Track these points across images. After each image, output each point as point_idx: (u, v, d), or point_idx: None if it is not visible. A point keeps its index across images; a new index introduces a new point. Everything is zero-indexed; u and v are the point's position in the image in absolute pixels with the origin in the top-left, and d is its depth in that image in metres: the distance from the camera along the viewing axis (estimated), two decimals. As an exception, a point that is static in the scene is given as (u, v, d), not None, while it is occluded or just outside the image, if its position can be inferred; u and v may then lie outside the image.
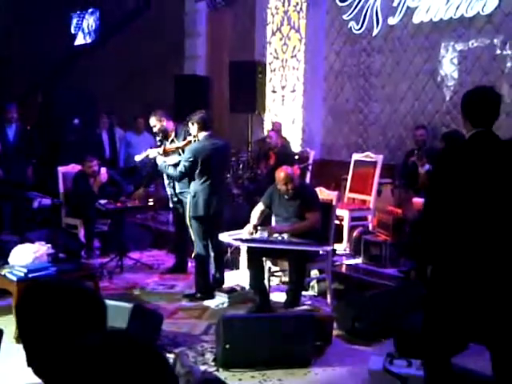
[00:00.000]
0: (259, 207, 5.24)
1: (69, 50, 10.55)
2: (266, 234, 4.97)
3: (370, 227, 6.48)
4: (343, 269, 5.77)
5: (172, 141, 5.78)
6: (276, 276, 5.54)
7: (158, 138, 5.82)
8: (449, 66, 7.09)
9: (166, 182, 5.84)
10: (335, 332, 4.42)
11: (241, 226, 5.31)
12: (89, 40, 11.75)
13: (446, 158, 3.05)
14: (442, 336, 2.94)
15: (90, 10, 11.50)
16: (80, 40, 11.62)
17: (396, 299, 4.67)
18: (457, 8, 6.86)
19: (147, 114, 9.45)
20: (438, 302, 2.94)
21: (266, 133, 8.31)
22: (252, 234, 5.03)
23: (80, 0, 10.69)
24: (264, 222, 5.32)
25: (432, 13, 7.07)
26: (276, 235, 4.96)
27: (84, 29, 11.59)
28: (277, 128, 8.00)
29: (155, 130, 5.84)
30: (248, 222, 5.26)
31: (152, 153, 5.56)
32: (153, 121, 5.82)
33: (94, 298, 1.50)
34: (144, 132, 9.13)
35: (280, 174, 5.04)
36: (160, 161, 5.39)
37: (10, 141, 7.47)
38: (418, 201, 5.92)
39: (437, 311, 2.95)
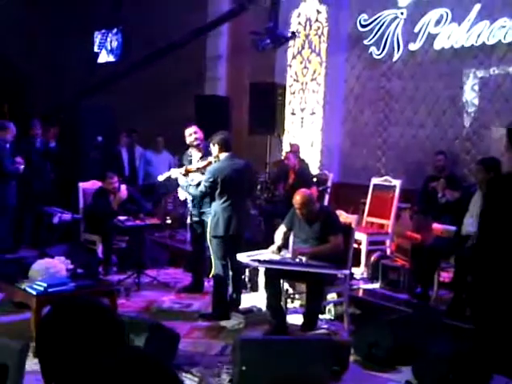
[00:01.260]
0: (282, 229, 5.27)
1: (92, 67, 10.70)
2: (289, 255, 4.99)
3: (388, 252, 6.46)
4: (360, 293, 5.74)
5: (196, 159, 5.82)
6: (294, 298, 5.52)
7: (191, 152, 5.78)
8: (469, 93, 7.09)
9: (189, 198, 5.84)
10: (352, 357, 4.38)
11: (258, 247, 5.33)
12: (112, 58, 11.91)
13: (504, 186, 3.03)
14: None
15: (115, 31, 11.67)
16: (103, 58, 11.79)
17: (414, 325, 4.63)
18: (478, 36, 6.88)
19: (167, 132, 9.57)
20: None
21: (284, 154, 8.34)
22: (275, 253, 5.06)
23: (104, 19, 10.87)
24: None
25: (453, 39, 7.10)
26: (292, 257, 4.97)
27: (107, 46, 11.75)
28: (295, 150, 8.02)
29: (196, 136, 5.82)
30: (265, 242, 5.30)
31: (174, 173, 5.60)
32: (193, 128, 5.89)
33: (112, 318, 1.51)
34: (163, 151, 9.21)
35: (296, 197, 5.08)
36: (182, 181, 5.43)
37: (33, 156, 7.57)
38: (437, 227, 5.91)
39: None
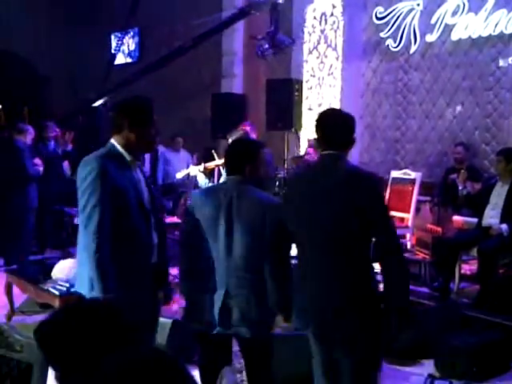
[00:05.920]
0: None
1: (109, 69, 10.77)
2: None
3: (409, 245, 6.42)
4: (381, 287, 5.70)
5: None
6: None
7: None
8: (488, 83, 7.01)
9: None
10: (374, 351, 4.36)
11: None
12: (129, 60, 11.98)
13: None
14: None
15: (131, 34, 11.73)
16: (120, 60, 11.86)
17: (435, 319, 4.61)
18: (496, 25, 6.80)
19: (186, 132, 9.61)
20: None
21: (302, 150, 8.33)
22: None
23: (120, 21, 10.93)
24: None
25: (470, 30, 7.02)
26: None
27: (124, 50, 11.81)
28: (312, 145, 8.01)
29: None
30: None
31: (193, 170, 5.62)
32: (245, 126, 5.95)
33: (122, 318, 1.51)
34: (181, 150, 9.26)
35: None
36: (201, 179, 5.44)
37: (49, 158, 7.64)
38: (457, 219, 5.86)
39: None
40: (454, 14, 7.15)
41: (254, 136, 5.89)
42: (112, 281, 2.65)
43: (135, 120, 2.81)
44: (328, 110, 3.05)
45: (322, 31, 8.55)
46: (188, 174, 5.75)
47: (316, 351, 2.76)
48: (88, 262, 2.67)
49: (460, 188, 5.45)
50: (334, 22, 8.44)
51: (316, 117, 2.86)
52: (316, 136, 2.83)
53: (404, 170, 7.03)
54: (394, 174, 7.02)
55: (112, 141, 2.83)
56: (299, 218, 2.70)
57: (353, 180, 2.65)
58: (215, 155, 5.84)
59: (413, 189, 6.67)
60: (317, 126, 2.80)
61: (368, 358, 2.62)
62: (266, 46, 7.59)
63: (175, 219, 6.66)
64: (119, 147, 2.80)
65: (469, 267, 5.59)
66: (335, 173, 2.68)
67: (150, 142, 2.90)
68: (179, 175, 5.84)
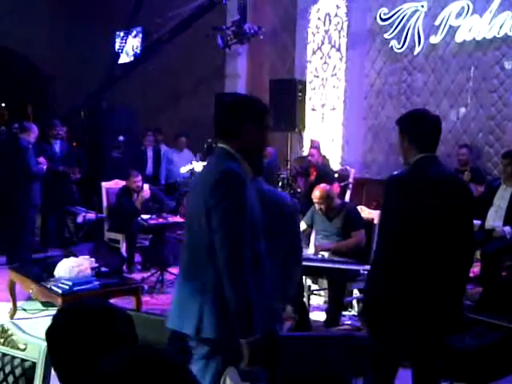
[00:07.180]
0: (301, 226, 5.26)
1: (113, 68, 10.77)
2: (310, 252, 5.00)
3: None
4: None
5: None
6: (316, 295, 5.52)
7: None
8: (492, 85, 7.00)
9: None
10: (376, 353, 4.36)
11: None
12: (132, 59, 11.96)
13: None
14: None
15: (134, 33, 11.70)
16: (124, 59, 11.85)
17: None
18: (500, 27, 6.80)
19: (189, 131, 9.61)
20: None
21: (305, 150, 8.33)
22: None
23: (124, 20, 10.91)
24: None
25: (475, 31, 7.02)
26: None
27: (128, 51, 11.78)
28: (316, 146, 8.01)
29: None
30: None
31: (197, 166, 5.62)
32: None
33: (122, 318, 1.51)
34: (185, 149, 9.26)
35: (315, 192, 5.09)
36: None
37: (55, 157, 7.67)
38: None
39: None
40: (459, 15, 7.15)
41: None
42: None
43: (258, 124, 2.26)
44: (417, 112, 3.07)
45: (326, 32, 8.55)
46: (192, 170, 5.75)
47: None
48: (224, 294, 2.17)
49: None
50: (338, 23, 8.44)
51: (405, 121, 2.87)
52: (406, 140, 2.82)
53: (407, 172, 7.02)
54: (398, 175, 7.00)
55: (225, 147, 2.26)
56: (405, 218, 2.74)
57: (455, 182, 2.81)
58: None
59: (416, 190, 6.65)
60: (409, 131, 2.82)
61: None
62: (231, 35, 7.44)
63: (178, 218, 6.67)
64: (238, 156, 2.24)
65: (471, 269, 5.58)
66: (439, 174, 2.76)
67: (263, 152, 2.37)
68: (183, 169, 5.86)
